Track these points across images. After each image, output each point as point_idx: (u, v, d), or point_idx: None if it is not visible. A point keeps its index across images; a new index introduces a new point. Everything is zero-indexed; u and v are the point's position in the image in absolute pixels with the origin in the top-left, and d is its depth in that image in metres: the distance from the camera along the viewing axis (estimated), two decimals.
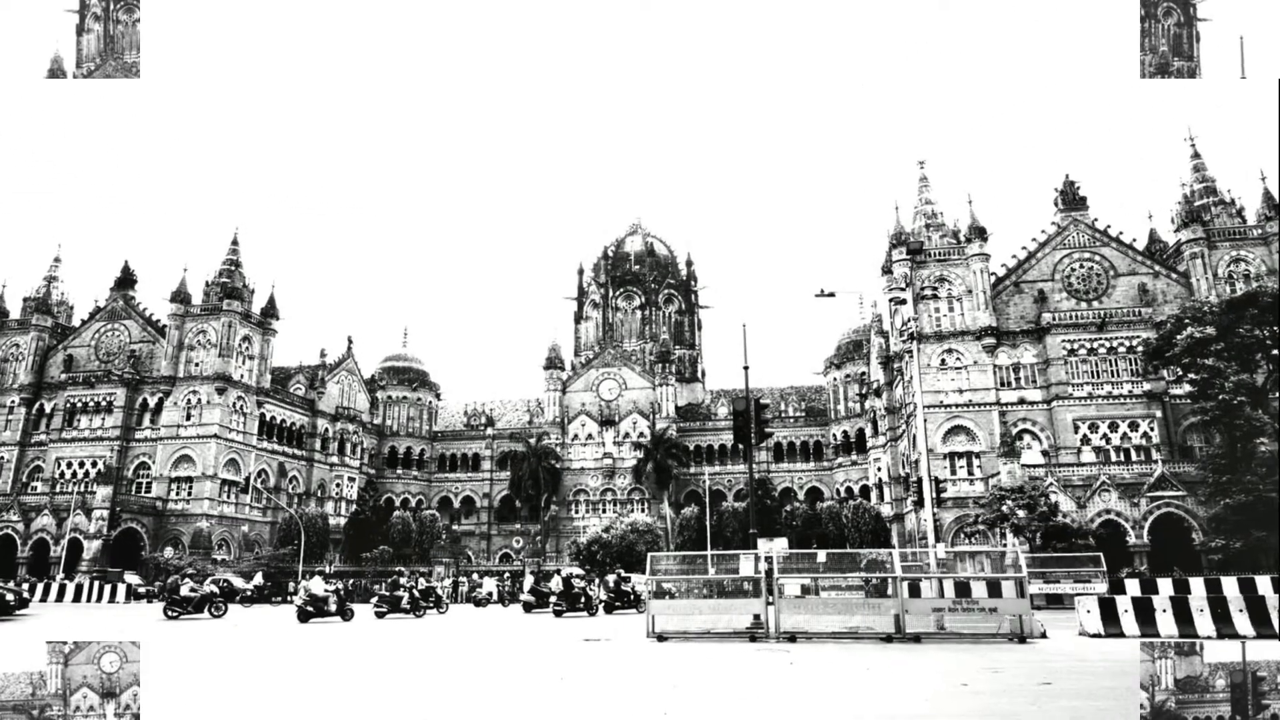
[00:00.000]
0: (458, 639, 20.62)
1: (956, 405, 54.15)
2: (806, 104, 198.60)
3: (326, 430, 75.13)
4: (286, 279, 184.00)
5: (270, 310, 70.41)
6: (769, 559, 18.23)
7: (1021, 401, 53.77)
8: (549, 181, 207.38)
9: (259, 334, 69.08)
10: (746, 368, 27.10)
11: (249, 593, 39.20)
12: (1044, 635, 17.47)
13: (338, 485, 75.16)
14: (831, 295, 25.46)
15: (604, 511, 72.72)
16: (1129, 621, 18.45)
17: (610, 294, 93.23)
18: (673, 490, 71.61)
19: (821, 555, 19.09)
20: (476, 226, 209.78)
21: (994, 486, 44.82)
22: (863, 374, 71.64)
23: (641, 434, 75.69)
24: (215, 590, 29.78)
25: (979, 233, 56.80)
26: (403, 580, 31.86)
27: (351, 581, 43.78)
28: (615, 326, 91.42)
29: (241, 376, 66.52)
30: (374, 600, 30.69)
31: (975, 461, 53.06)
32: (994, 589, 17.27)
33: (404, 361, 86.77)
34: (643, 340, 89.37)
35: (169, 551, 57.08)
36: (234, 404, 65.30)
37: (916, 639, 16.85)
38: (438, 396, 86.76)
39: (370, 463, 79.41)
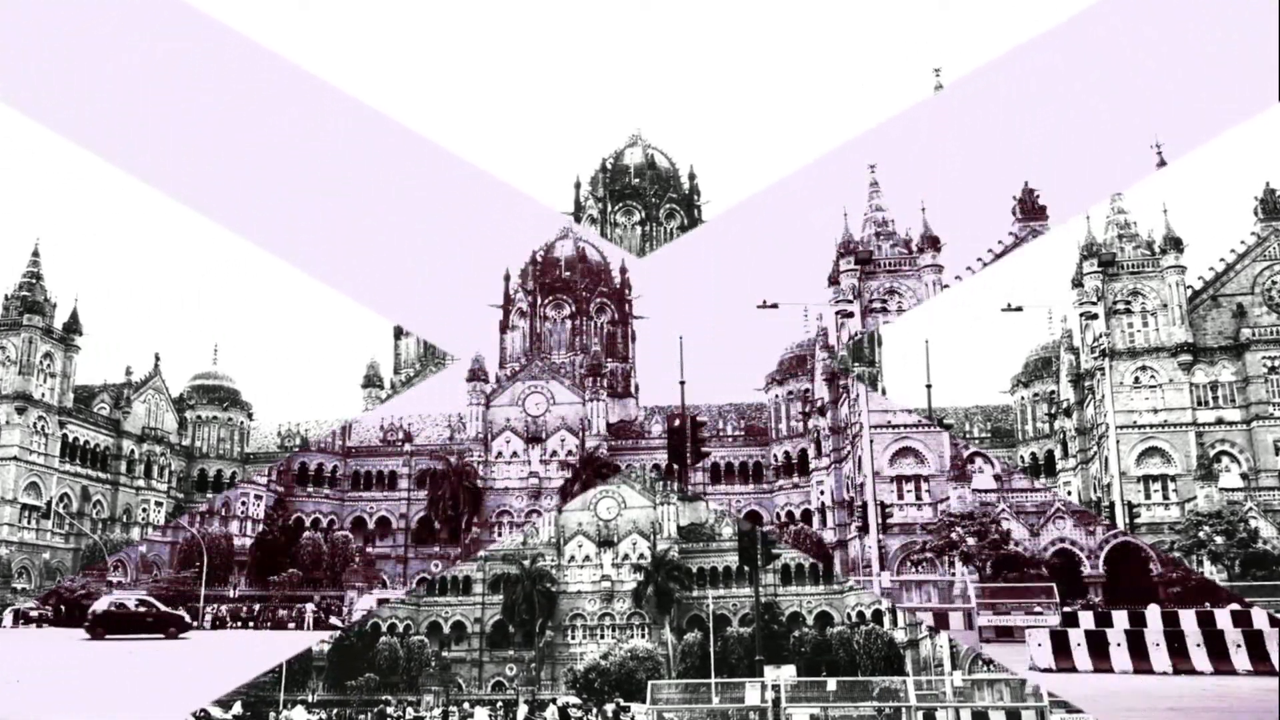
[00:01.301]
0: None
1: (1151, 426, 52.17)
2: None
3: (133, 452, 73.27)
4: (91, 292, 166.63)
5: (73, 325, 69.26)
6: (776, 687, 17.54)
7: (1219, 422, 51.99)
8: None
9: (61, 351, 68.01)
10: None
11: None
12: None
13: (144, 510, 72.96)
14: (1018, 309, 24.40)
15: (602, 637, 70.32)
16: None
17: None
18: (674, 614, 69.36)
19: (831, 684, 18.32)
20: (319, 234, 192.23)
21: (1190, 512, 43.48)
22: (1050, 394, 66.76)
23: (642, 555, 74.05)
24: None
25: (1175, 243, 54.84)
26: (389, 710, 30.32)
27: (336, 710, 41.77)
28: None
29: (43, 395, 65.36)
30: None
31: (1170, 485, 50.98)
32: (1013, 717, 16.51)
33: (214, 380, 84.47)
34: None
35: None
36: (35, 424, 64.02)
37: None
38: (250, 416, 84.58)
39: (179, 486, 77.36)
